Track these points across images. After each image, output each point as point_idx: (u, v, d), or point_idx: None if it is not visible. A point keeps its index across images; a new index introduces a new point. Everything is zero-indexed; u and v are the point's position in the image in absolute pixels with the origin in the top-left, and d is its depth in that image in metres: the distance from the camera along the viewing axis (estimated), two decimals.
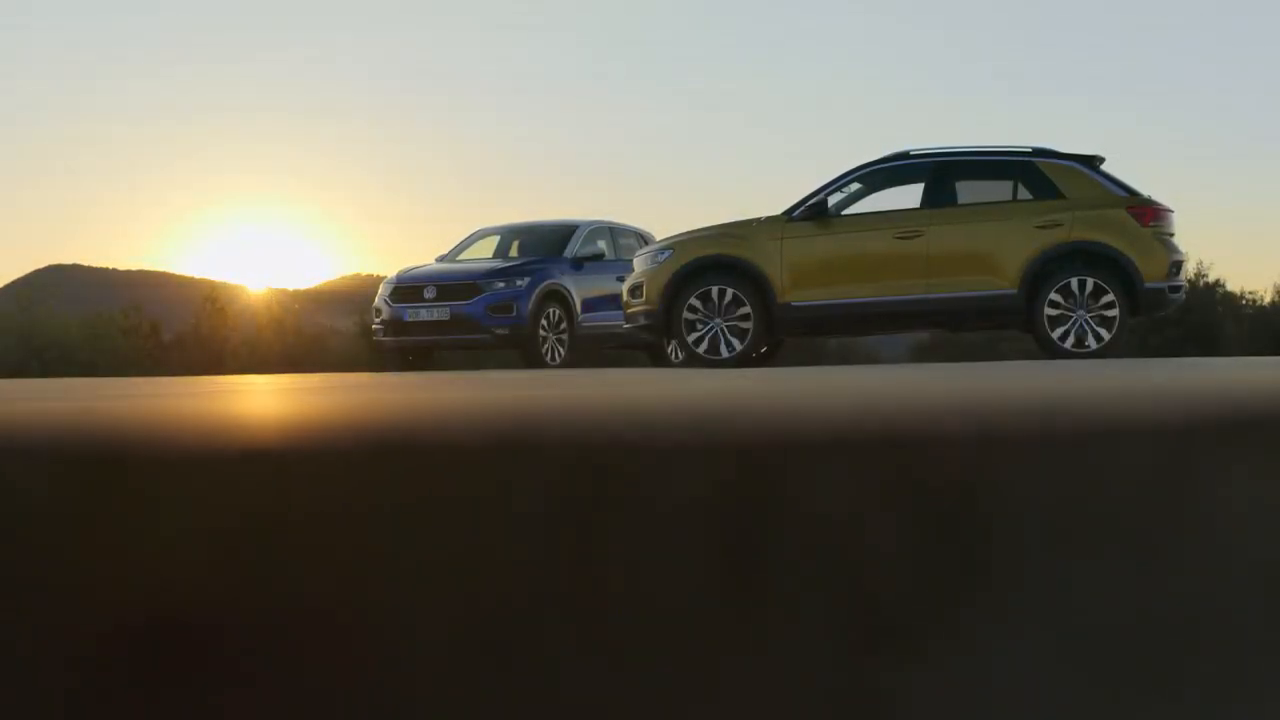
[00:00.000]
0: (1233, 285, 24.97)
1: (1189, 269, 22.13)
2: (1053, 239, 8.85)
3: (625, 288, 9.98)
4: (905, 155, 9.41)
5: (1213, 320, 21.26)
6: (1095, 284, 8.77)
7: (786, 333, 9.68)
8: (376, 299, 12.19)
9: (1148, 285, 8.73)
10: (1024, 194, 9.11)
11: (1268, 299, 22.38)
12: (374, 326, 12.23)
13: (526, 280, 11.59)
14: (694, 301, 9.30)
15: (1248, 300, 22.42)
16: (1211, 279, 22.28)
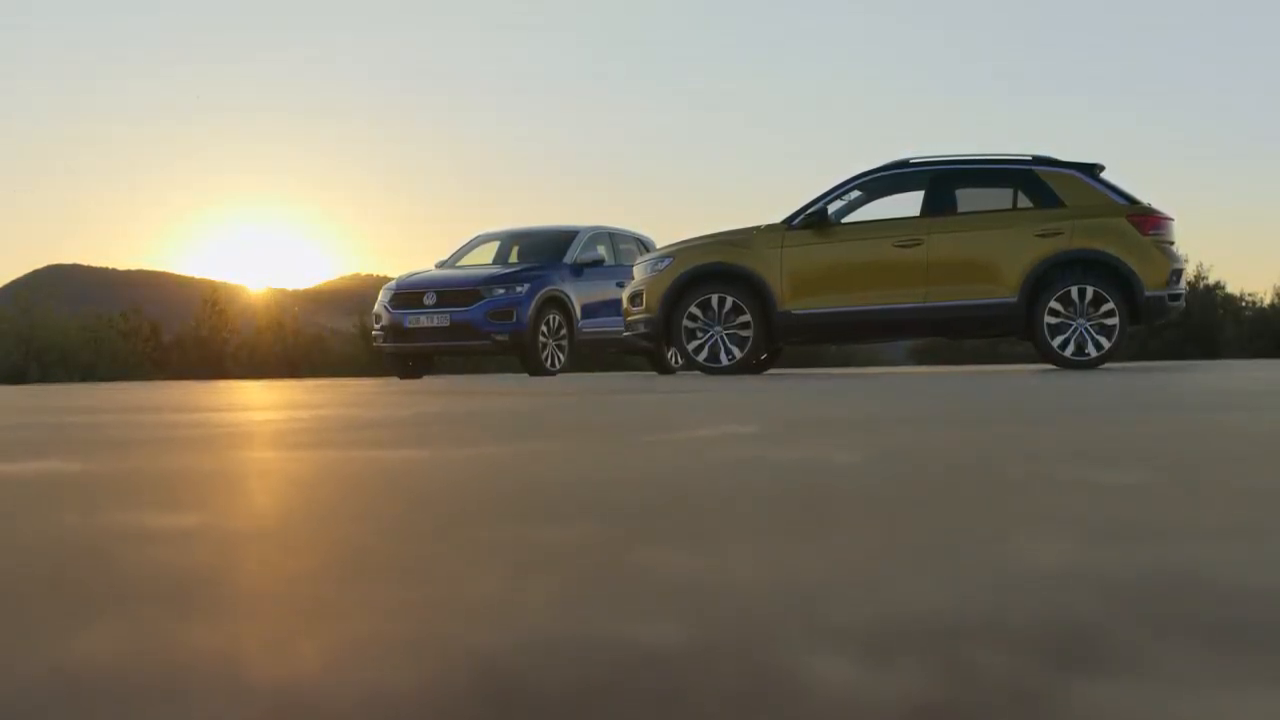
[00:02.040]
0: (1233, 287, 24.96)
1: (1189, 271, 22.13)
2: (1053, 247, 8.83)
3: (625, 295, 9.97)
4: (905, 163, 9.39)
5: (1213, 322, 21.23)
6: (1095, 292, 8.75)
7: (786, 340, 9.67)
8: (377, 305, 12.16)
9: (1148, 293, 8.71)
10: (1024, 202, 9.09)
11: (1267, 300, 22.34)
12: (374, 332, 12.20)
13: (526, 286, 11.55)
14: (694, 309, 9.30)
15: (1248, 302, 22.37)
16: (1211, 281, 22.25)
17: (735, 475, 1.08)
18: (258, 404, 3.77)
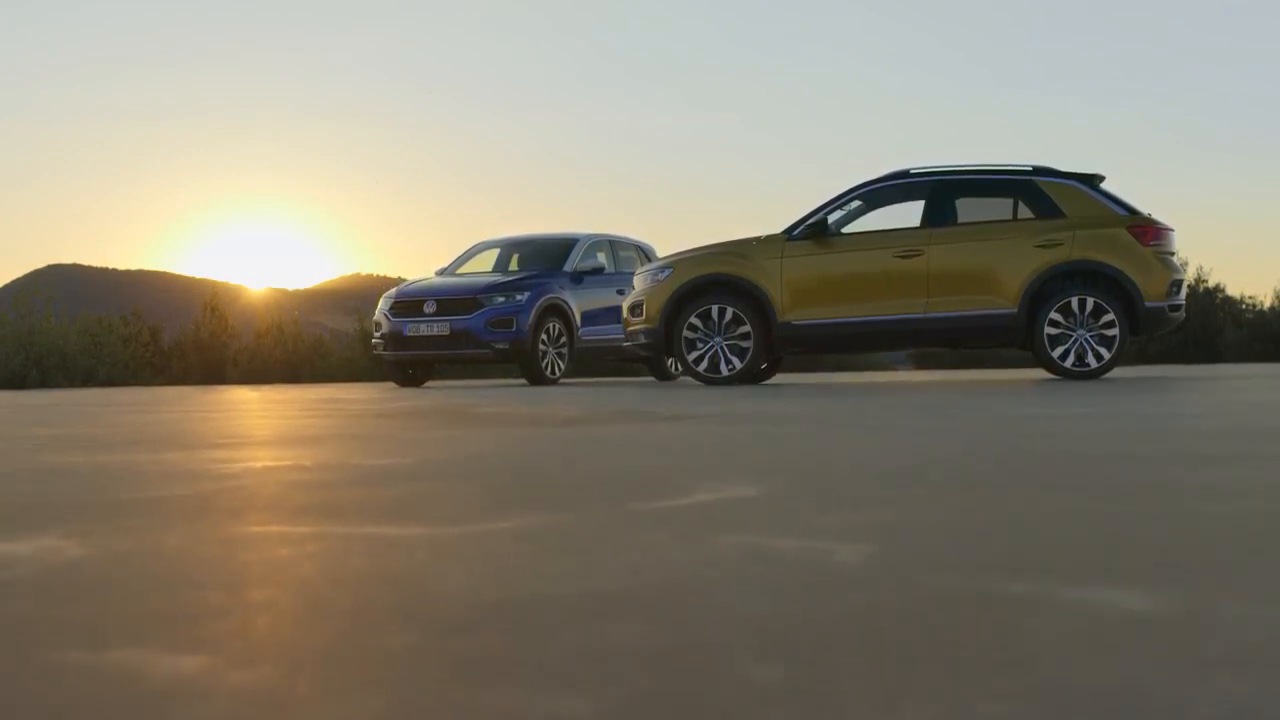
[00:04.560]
0: (1232, 290, 24.94)
1: (1189, 274, 22.19)
2: (1053, 258, 8.86)
3: (625, 305, 10.00)
4: (905, 174, 9.41)
5: (1213, 325, 21.23)
6: (1095, 303, 8.79)
7: (786, 351, 9.70)
8: (377, 313, 12.18)
9: (1148, 304, 8.75)
10: (1024, 213, 9.12)
11: (1267, 303, 22.33)
12: (374, 340, 12.22)
13: (526, 294, 11.57)
14: (694, 320, 9.32)
15: (1247, 305, 22.37)
16: (1211, 284, 22.24)
17: (730, 588, 1.08)
18: (259, 434, 3.77)
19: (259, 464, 2.57)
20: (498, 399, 7.28)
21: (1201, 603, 0.96)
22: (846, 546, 1.30)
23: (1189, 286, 20.24)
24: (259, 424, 4.54)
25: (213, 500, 1.92)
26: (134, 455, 2.91)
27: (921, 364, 22.15)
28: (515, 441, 3.16)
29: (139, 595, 1.12)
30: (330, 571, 1.23)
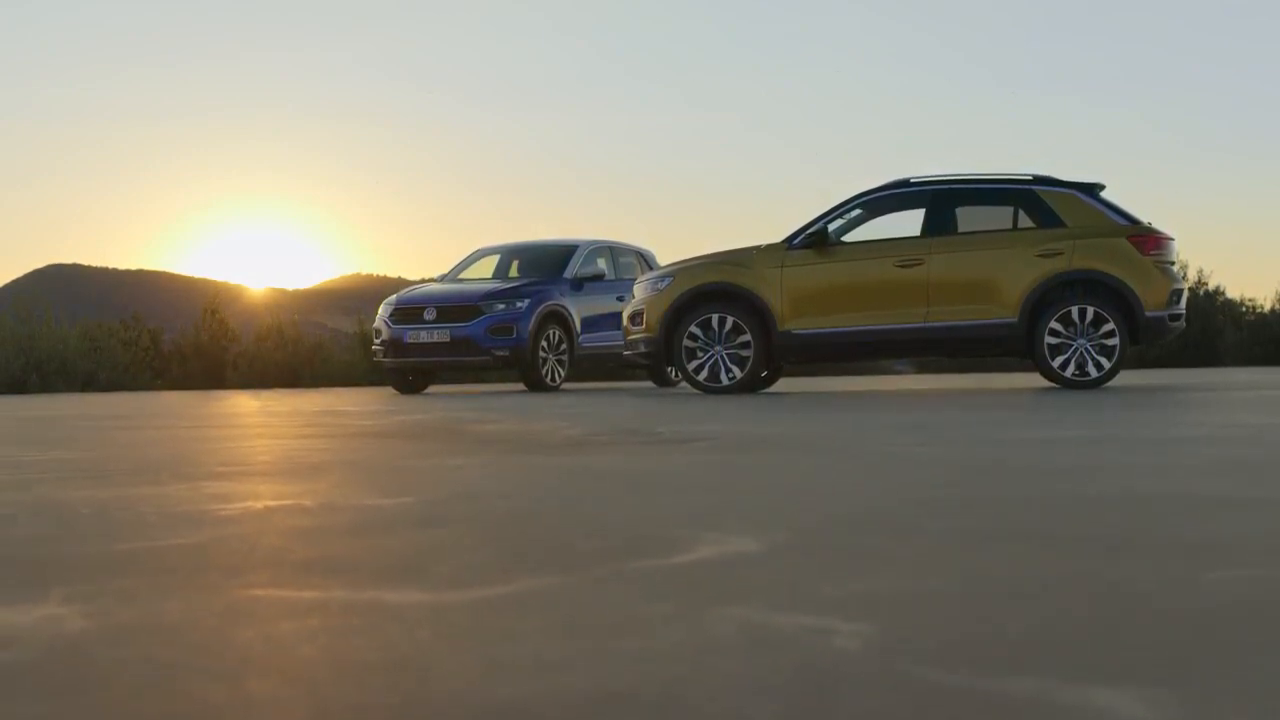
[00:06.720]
0: (1232, 292, 24.96)
1: (1189, 276, 22.18)
2: (1053, 268, 8.88)
3: (625, 314, 10.01)
4: (905, 183, 9.43)
5: (1213, 328, 21.23)
6: (1096, 312, 8.81)
7: (786, 360, 9.72)
8: (377, 319, 12.21)
9: (1149, 314, 8.77)
10: (1024, 222, 9.14)
11: (1268, 306, 22.33)
12: (374, 347, 12.25)
13: (526, 301, 11.59)
14: (694, 329, 9.34)
15: (1248, 307, 22.37)
16: (1211, 287, 22.25)
17: (732, 684, 1.08)
18: (259, 461, 3.77)
19: (260, 503, 2.57)
20: (497, 412, 7.29)
21: (1201, 710, 0.96)
22: (846, 625, 1.30)
23: (1189, 289, 20.21)
24: (259, 446, 4.54)
25: (212, 553, 1.92)
26: (134, 489, 2.91)
27: (923, 368, 22.18)
28: (514, 474, 3.16)
29: (141, 686, 1.12)
30: (331, 655, 1.23)
